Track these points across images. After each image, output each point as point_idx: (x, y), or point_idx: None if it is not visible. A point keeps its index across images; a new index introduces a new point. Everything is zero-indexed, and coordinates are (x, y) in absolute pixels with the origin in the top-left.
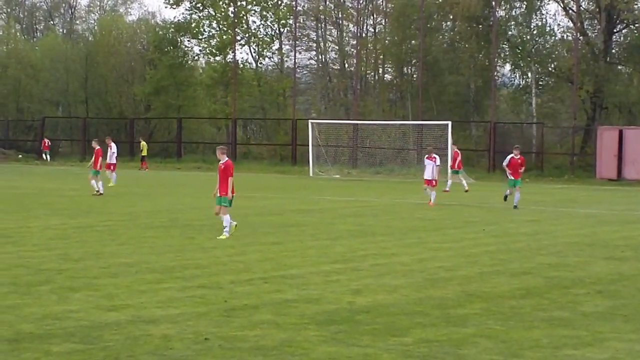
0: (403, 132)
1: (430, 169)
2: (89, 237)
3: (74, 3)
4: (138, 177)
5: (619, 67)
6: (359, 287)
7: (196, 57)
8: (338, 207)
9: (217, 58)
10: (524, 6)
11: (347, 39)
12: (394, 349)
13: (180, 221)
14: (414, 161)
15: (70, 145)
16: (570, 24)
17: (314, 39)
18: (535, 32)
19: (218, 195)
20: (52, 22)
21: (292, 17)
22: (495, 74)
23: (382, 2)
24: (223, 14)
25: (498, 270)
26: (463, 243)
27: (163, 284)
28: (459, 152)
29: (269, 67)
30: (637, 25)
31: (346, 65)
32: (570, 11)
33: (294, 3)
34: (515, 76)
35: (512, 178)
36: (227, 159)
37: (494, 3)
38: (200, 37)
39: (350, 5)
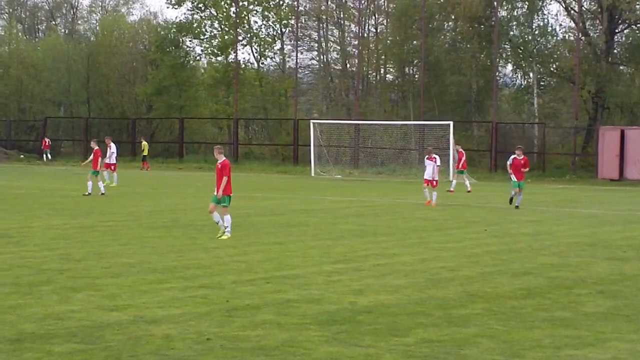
0: (405, 133)
1: (430, 169)
2: (91, 237)
3: (76, 3)
4: (139, 177)
5: (621, 68)
6: (360, 287)
7: (198, 57)
8: (340, 207)
9: (219, 58)
10: (526, 6)
11: (348, 39)
12: (396, 349)
13: (182, 221)
14: (416, 161)
15: (72, 145)
16: (572, 24)
17: (316, 39)
18: (537, 32)
19: (215, 194)
20: (54, 22)
21: (293, 17)
22: (497, 74)
23: (384, 2)
24: (225, 14)
25: (500, 270)
26: (465, 243)
27: (165, 284)
28: (463, 152)
29: (271, 67)
30: (639, 25)
31: (348, 66)
32: (572, 11)
33: (295, 3)
34: (517, 76)
35: (515, 180)
36: (224, 158)
37: (495, 3)
38: (202, 37)
39: (351, 5)
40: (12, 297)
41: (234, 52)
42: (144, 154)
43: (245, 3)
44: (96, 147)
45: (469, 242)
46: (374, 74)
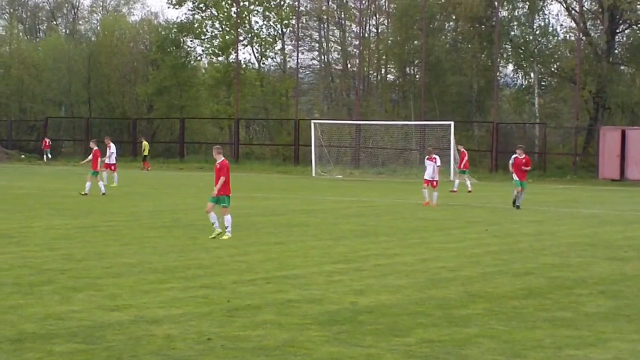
0: (405, 133)
1: (430, 169)
2: (92, 237)
3: (77, 3)
4: (140, 177)
5: (622, 68)
6: (361, 287)
7: (199, 58)
8: (340, 207)
9: (220, 58)
10: (527, 6)
11: (349, 39)
12: (397, 349)
13: (183, 221)
14: (417, 161)
15: (73, 145)
16: (573, 24)
17: (317, 39)
18: (537, 32)
19: (214, 194)
20: (54, 23)
21: (294, 17)
22: (497, 74)
23: (385, 2)
24: (226, 14)
25: (501, 270)
26: (465, 243)
27: (166, 284)
28: (465, 152)
29: (272, 67)
30: (639, 25)
31: (349, 66)
32: (573, 11)
33: (296, 3)
34: (518, 76)
35: (517, 179)
36: (223, 158)
37: (496, 3)
38: (202, 37)
39: (352, 5)
40: (13, 297)
41: (235, 52)
42: (145, 154)
43: (246, 3)
44: (95, 148)
45: (470, 242)
46: (374, 74)
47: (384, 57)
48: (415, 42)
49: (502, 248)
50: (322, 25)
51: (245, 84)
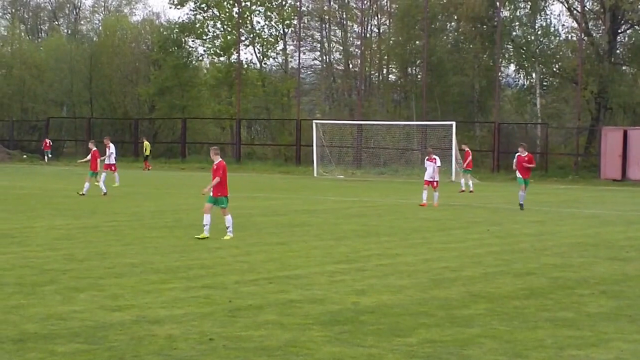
0: (407, 133)
1: (430, 170)
2: (94, 238)
3: (79, 3)
4: (142, 178)
5: (624, 68)
6: (363, 287)
7: (200, 58)
8: (342, 207)
9: (222, 58)
10: (529, 7)
11: (351, 39)
12: (399, 349)
13: (185, 221)
14: (418, 161)
15: (75, 145)
16: (575, 25)
17: (318, 39)
18: (539, 32)
19: (212, 195)
20: (56, 23)
21: (296, 17)
22: (499, 74)
23: (387, 2)
24: (227, 14)
25: (502, 270)
26: (467, 243)
27: (168, 284)
28: (470, 152)
29: (273, 67)
30: None
31: (350, 66)
32: (575, 12)
33: (298, 3)
34: (520, 77)
35: (521, 177)
36: (220, 159)
37: (498, 3)
38: (204, 37)
39: (354, 5)
40: (15, 297)
41: (237, 53)
42: (146, 154)
43: (248, 3)
44: (94, 148)
45: (472, 242)
46: (376, 74)
47: (385, 57)
48: (417, 42)
49: (503, 248)
50: (323, 26)
51: (247, 84)
